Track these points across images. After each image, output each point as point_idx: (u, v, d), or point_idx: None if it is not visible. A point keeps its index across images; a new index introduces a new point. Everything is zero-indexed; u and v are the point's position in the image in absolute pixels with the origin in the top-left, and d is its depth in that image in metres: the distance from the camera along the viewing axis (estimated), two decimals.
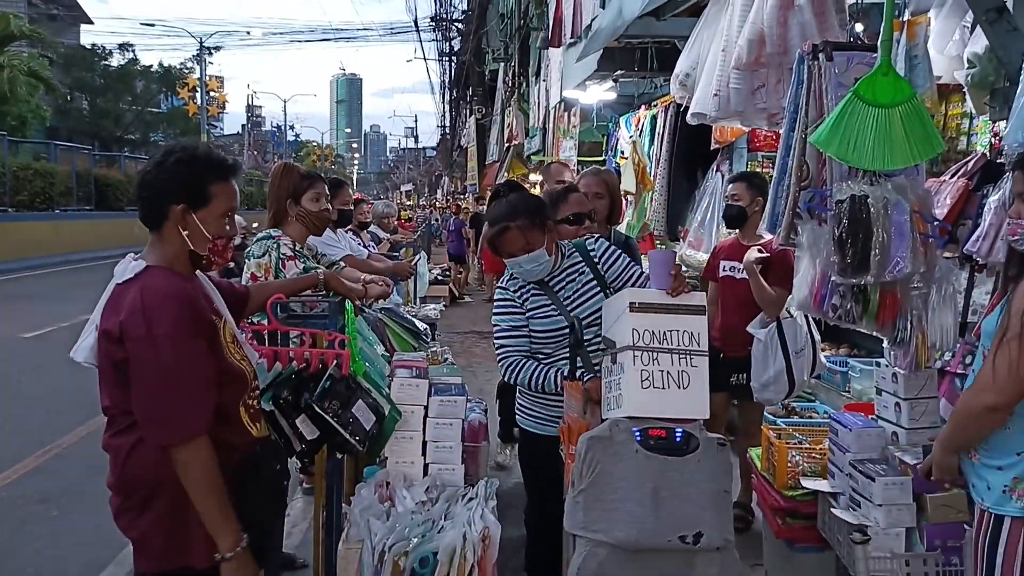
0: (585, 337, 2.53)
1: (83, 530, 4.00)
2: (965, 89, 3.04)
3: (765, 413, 3.57)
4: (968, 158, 3.14)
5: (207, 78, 36.59)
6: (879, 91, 2.23)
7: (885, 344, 2.65)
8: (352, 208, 4.46)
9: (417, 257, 6.45)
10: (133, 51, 40.08)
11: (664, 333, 2.12)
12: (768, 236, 3.27)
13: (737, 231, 4.07)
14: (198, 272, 1.99)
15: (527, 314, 2.69)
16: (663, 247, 6.09)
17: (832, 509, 2.72)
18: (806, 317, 3.72)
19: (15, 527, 4.18)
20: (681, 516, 2.04)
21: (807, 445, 3.16)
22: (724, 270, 4.02)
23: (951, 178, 3.01)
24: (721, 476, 2.10)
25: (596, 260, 2.80)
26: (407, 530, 2.12)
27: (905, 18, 3.00)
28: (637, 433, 2.07)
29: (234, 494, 1.89)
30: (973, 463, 1.98)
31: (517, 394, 2.85)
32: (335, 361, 2.39)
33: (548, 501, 2.69)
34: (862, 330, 2.64)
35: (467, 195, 25.72)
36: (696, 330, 2.14)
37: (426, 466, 2.55)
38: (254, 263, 3.02)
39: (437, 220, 25.41)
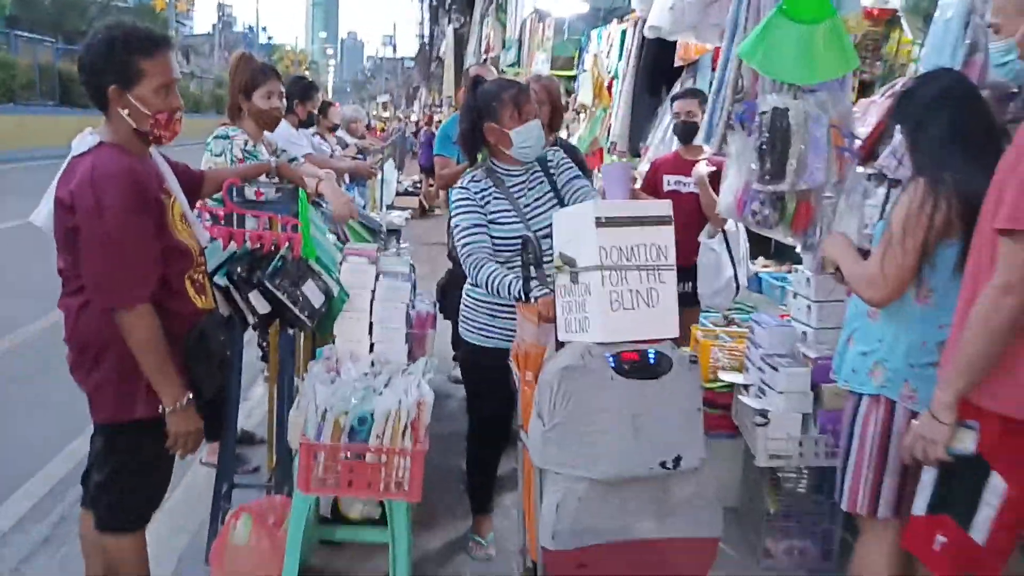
0: (542, 251, 2.38)
1: (57, 402, 4.22)
2: (900, 14, 3.18)
3: (705, 321, 3.83)
4: (897, 80, 3.30)
5: None
6: (803, 8, 2.38)
7: (798, 248, 2.88)
8: (315, 112, 4.53)
9: (380, 161, 6.52)
10: None
11: (632, 248, 1.95)
12: (708, 149, 3.44)
13: (679, 146, 4.25)
14: (153, 151, 2.12)
15: (488, 218, 2.66)
16: (623, 161, 6.22)
17: (740, 397, 3.01)
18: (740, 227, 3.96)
19: None
20: (661, 440, 1.95)
21: (730, 344, 3.43)
22: (669, 184, 4.14)
23: (880, 98, 3.18)
24: (694, 393, 2.02)
25: (552, 172, 2.78)
26: (348, 393, 2.35)
27: None
28: (611, 359, 1.93)
29: (181, 361, 2.07)
30: (848, 351, 2.23)
31: (461, 305, 2.84)
32: (287, 243, 2.56)
33: (490, 422, 2.81)
34: (777, 237, 2.85)
35: (443, 107, 25.35)
36: (664, 242, 1.98)
37: (372, 346, 2.76)
38: (211, 159, 3.11)
39: (412, 132, 25.11)
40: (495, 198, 2.67)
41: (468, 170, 2.83)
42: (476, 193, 2.68)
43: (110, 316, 1.97)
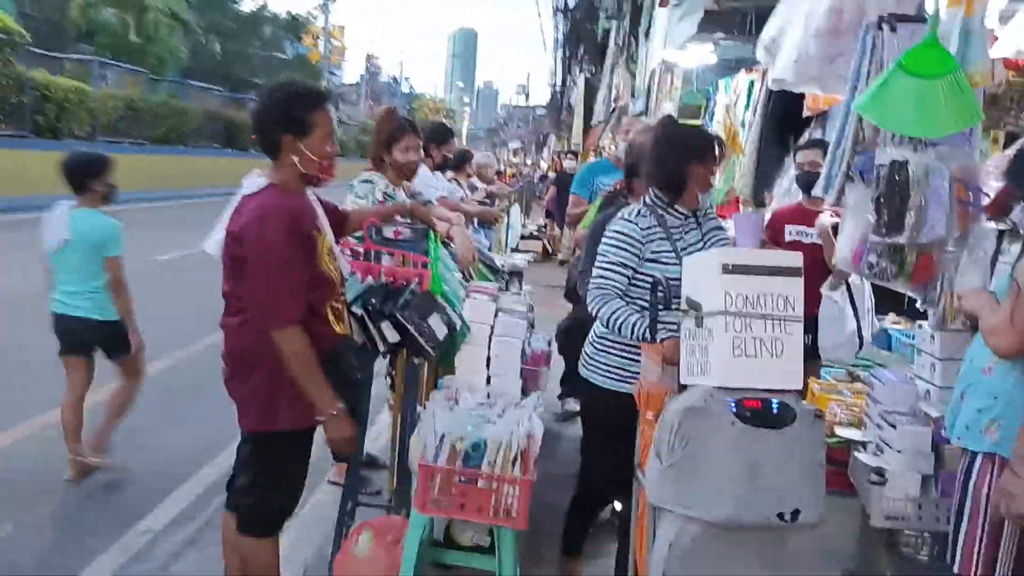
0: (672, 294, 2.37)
1: (212, 415, 4.67)
2: None
3: (828, 375, 3.76)
4: None
5: (330, 27, 37.81)
6: (923, 63, 2.39)
7: (919, 303, 2.82)
8: (451, 157, 4.87)
9: (507, 206, 6.80)
10: None
11: (758, 297, 1.98)
12: (827, 200, 3.42)
13: (802, 197, 4.20)
14: (308, 191, 2.42)
15: (645, 256, 2.67)
16: (754, 211, 6.19)
17: (856, 454, 2.94)
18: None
19: (149, 412, 4.90)
20: (778, 491, 1.96)
21: (849, 399, 3.36)
22: (791, 235, 4.10)
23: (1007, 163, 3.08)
24: (817, 449, 2.03)
25: (700, 220, 2.84)
26: (465, 420, 2.52)
27: None
28: (732, 404, 1.96)
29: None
30: (962, 408, 2.17)
31: (588, 347, 2.84)
32: (417, 279, 2.79)
33: (604, 468, 2.74)
34: (898, 289, 2.81)
35: (573, 156, 25.78)
36: (792, 294, 2.00)
37: (489, 378, 2.93)
38: (355, 199, 3.44)
39: (539, 178, 25.66)
40: (659, 238, 2.71)
41: (631, 206, 2.86)
42: (643, 229, 2.70)
43: (265, 334, 2.25)
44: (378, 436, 4.41)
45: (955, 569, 2.14)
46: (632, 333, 2.53)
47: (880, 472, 2.76)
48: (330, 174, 2.38)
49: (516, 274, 6.11)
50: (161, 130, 22.64)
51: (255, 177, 2.37)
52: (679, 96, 9.40)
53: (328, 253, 2.42)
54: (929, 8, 3.15)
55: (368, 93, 58.12)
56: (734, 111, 6.59)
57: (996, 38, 3.52)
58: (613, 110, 16.23)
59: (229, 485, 2.59)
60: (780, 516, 1.94)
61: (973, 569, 2.08)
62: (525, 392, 3.07)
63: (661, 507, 2.02)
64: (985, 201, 2.81)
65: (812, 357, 4.03)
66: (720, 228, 2.89)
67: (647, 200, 2.82)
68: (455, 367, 2.94)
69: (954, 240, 2.57)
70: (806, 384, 3.68)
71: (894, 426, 2.77)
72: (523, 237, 11.21)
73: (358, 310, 2.68)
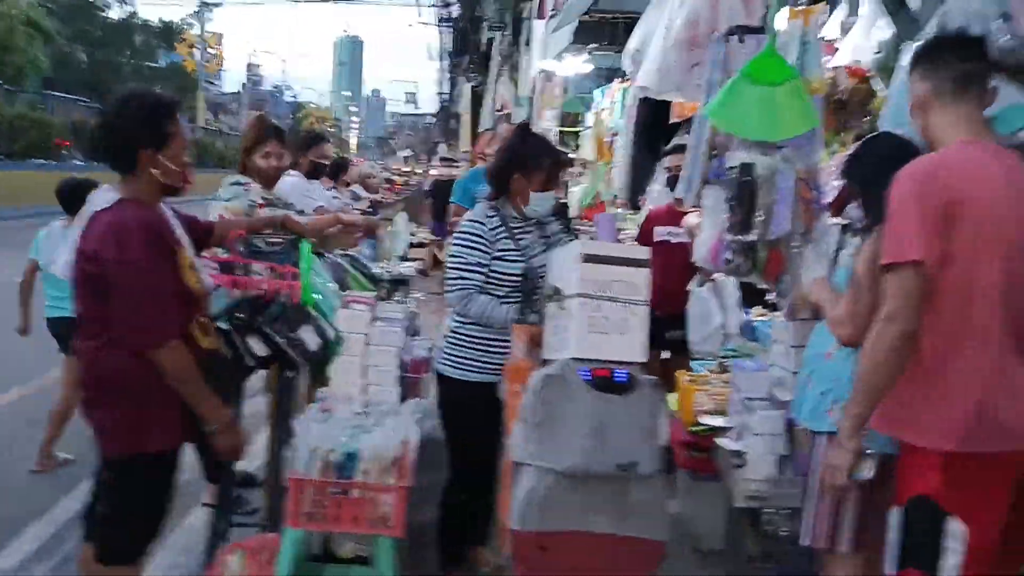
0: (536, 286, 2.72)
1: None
2: (873, 73, 3.36)
3: (701, 367, 3.93)
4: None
5: (206, 35, 36.43)
6: (764, 72, 2.56)
7: (771, 296, 3.00)
8: (326, 163, 4.76)
9: (392, 215, 6.75)
10: (133, 4, 39.89)
11: (609, 283, 2.29)
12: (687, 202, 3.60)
13: (672, 200, 4.41)
14: (163, 206, 2.33)
15: (493, 254, 2.82)
16: (611, 212, 6.37)
17: (719, 439, 3.10)
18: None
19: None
20: (620, 447, 2.27)
21: (716, 389, 3.53)
22: (660, 236, 4.32)
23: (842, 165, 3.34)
24: (655, 412, 2.33)
25: (546, 227, 3.03)
26: (338, 432, 2.48)
27: (801, 6, 3.31)
28: (586, 373, 2.28)
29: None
30: (809, 392, 2.34)
31: (444, 342, 2.96)
32: (287, 290, 2.73)
33: (473, 464, 2.86)
34: (753, 283, 2.99)
35: (460, 163, 25.85)
36: (638, 281, 2.33)
37: (366, 387, 2.90)
38: (221, 206, 3.33)
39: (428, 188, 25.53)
40: (504, 237, 2.86)
41: (480, 203, 2.99)
42: (490, 229, 2.86)
43: (129, 355, 2.15)
44: (256, 454, 4.26)
45: (804, 541, 2.29)
46: (505, 318, 2.75)
47: (741, 455, 2.92)
48: (189, 182, 2.30)
49: (403, 283, 6.09)
50: (22, 143, 21.14)
51: (105, 192, 2.25)
52: (560, 104, 9.63)
53: (189, 267, 2.33)
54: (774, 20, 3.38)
55: (250, 103, 56.27)
56: (606, 118, 6.81)
57: (837, 48, 3.81)
58: (499, 117, 16.40)
59: (87, 514, 2.45)
60: (620, 467, 2.25)
61: (820, 539, 2.24)
62: (405, 401, 3.05)
63: (522, 462, 2.30)
64: (828, 199, 3.04)
65: (683, 351, 4.23)
66: (567, 231, 3.07)
67: (491, 201, 2.94)
68: (330, 379, 2.89)
69: (800, 236, 2.76)
70: (674, 376, 3.84)
71: (752, 411, 2.94)
72: (412, 246, 11.12)
73: (224, 325, 2.59)
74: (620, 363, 2.29)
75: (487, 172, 3.03)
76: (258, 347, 2.64)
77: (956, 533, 1.86)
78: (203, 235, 2.59)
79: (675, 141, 5.94)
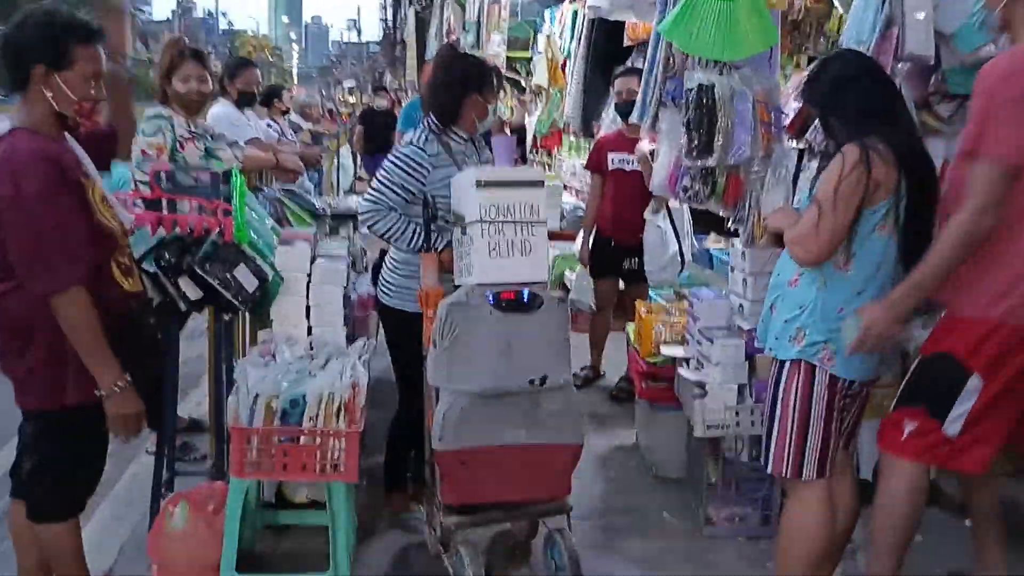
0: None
1: None
2: None
3: (658, 296, 3.86)
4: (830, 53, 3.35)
5: None
6: None
7: (728, 223, 2.92)
8: (255, 91, 4.45)
9: (333, 147, 6.46)
10: None
11: (508, 206, 2.33)
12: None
13: (622, 125, 4.27)
14: (68, 137, 2.09)
15: (434, 183, 2.70)
16: (507, 135, 6.09)
17: (680, 370, 3.06)
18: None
19: None
20: (529, 363, 2.36)
21: (674, 319, 3.48)
22: (613, 163, 4.20)
23: (800, 87, 3.23)
24: (561, 327, 2.42)
25: (477, 144, 2.93)
26: (280, 376, 2.35)
27: None
28: (490, 296, 2.33)
29: (112, 347, 2.05)
30: (772, 319, 2.28)
31: (384, 271, 2.88)
32: (218, 228, 2.54)
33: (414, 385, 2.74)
34: (711, 210, 2.90)
35: (408, 92, 25.10)
36: (535, 202, 2.36)
37: (309, 328, 2.76)
38: (144, 141, 3.07)
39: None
40: (446, 164, 2.75)
41: (418, 129, 2.84)
42: (430, 155, 2.72)
43: (38, 301, 1.96)
44: (202, 400, 4.11)
45: (768, 469, 2.27)
46: (410, 244, 2.69)
47: (701, 386, 2.89)
48: (91, 120, 2.06)
49: (351, 217, 5.87)
50: None
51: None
52: (507, 28, 9.27)
53: (102, 201, 2.12)
54: None
55: (182, 30, 53.43)
56: (557, 42, 6.56)
57: None
58: (446, 44, 15.83)
59: (13, 470, 2.28)
60: (531, 382, 2.37)
61: (784, 467, 2.21)
62: (353, 340, 2.92)
63: (437, 385, 2.40)
64: (786, 121, 2.94)
65: (639, 280, 4.17)
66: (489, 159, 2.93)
67: (431, 126, 2.79)
68: (272, 320, 2.73)
69: (759, 160, 2.66)
70: (633, 306, 3.79)
71: (712, 341, 2.90)
72: (358, 178, 10.81)
73: (150, 267, 2.40)
74: (525, 283, 2.37)
75: (430, 103, 2.84)
76: (190, 289, 2.47)
77: (973, 388, 2.07)
78: (108, 143, 2.31)
79: (634, 63, 5.75)
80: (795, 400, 2.18)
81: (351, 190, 9.38)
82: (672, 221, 4.11)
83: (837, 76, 2.17)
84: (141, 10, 45.47)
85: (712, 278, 5.27)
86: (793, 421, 2.19)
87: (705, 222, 4.86)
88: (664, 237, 4.06)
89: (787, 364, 2.20)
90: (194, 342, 3.73)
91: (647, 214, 4.06)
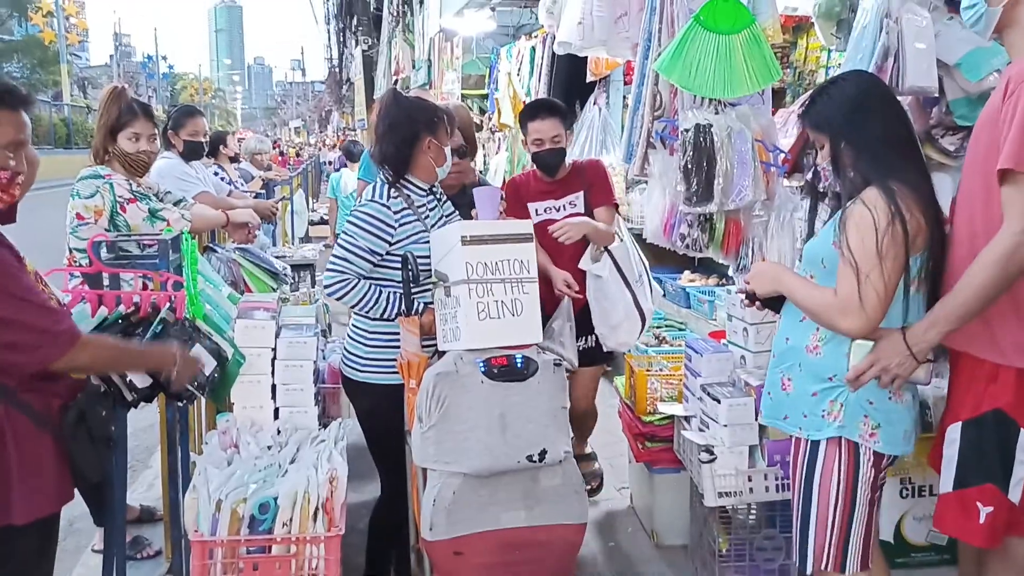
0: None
1: None
2: (813, 20, 3.10)
3: (637, 343, 3.53)
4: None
5: (64, 2, 33.41)
6: (720, 18, 2.24)
7: (730, 271, 2.73)
8: (203, 141, 4.14)
9: (285, 196, 6.15)
10: None
11: (496, 264, 2.18)
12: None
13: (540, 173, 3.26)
14: None
15: (399, 241, 2.47)
16: (490, 186, 5.81)
17: (683, 431, 2.83)
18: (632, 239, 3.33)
19: None
20: (527, 436, 2.17)
21: (667, 372, 3.26)
22: (539, 213, 3.19)
23: (800, 108, 3.09)
24: (559, 393, 2.24)
25: (438, 196, 2.68)
26: (247, 476, 2.04)
27: None
28: (481, 364, 2.14)
29: (60, 445, 1.83)
30: (787, 394, 2.04)
31: (348, 342, 2.59)
32: (168, 304, 2.23)
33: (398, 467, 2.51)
34: (711, 257, 2.70)
35: (357, 130, 24.92)
36: (525, 257, 2.22)
37: (276, 410, 2.45)
38: (80, 203, 2.75)
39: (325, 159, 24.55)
40: (411, 220, 2.51)
41: (374, 184, 2.58)
42: (395, 212, 2.48)
43: None
44: (152, 483, 3.73)
45: (807, 570, 1.99)
46: (386, 311, 2.46)
47: (709, 450, 2.66)
48: (7, 193, 1.77)
49: (307, 267, 5.54)
50: None
51: None
52: (461, 65, 9.14)
53: (36, 280, 1.84)
54: None
55: (121, 75, 52.37)
56: (518, 79, 6.40)
57: None
58: (395, 82, 15.70)
59: None
60: (529, 458, 2.16)
61: (824, 562, 1.95)
62: (326, 417, 2.63)
63: (424, 466, 2.19)
64: (781, 158, 2.77)
65: (597, 359, 3.31)
66: (456, 211, 2.70)
67: (387, 178, 2.54)
68: (231, 403, 2.42)
69: (761, 204, 2.47)
70: (593, 393, 3.30)
71: (717, 399, 2.67)
72: (312, 223, 10.47)
73: None
74: (517, 347, 2.19)
75: (379, 153, 2.55)
76: (138, 377, 2.14)
77: None
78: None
79: (597, 100, 5.60)
80: (838, 485, 1.92)
81: (306, 237, 9.05)
82: (618, 266, 3.12)
83: (855, 97, 1.92)
84: (77, 55, 44.44)
85: (689, 317, 5.11)
86: (836, 510, 1.93)
87: (678, 259, 4.65)
88: (609, 289, 3.13)
89: (823, 444, 1.94)
90: (143, 410, 3.39)
91: (583, 264, 3.10)
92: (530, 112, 3.13)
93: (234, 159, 6.49)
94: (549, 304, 2.67)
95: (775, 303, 2.13)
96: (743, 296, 2.23)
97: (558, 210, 3.18)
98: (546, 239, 3.01)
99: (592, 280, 3.12)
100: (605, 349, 3.26)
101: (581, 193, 3.12)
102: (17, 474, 1.74)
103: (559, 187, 3.17)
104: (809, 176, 2.70)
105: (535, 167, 3.23)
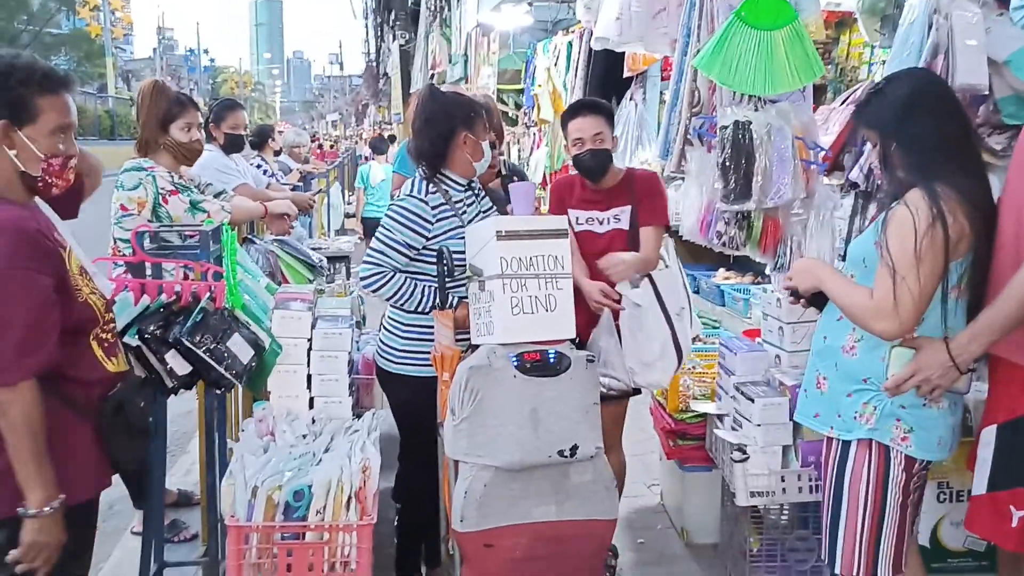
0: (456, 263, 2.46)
1: None
2: (856, 16, 3.04)
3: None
4: (858, 86, 3.17)
5: None
6: (762, 13, 2.21)
7: (767, 270, 2.69)
8: (243, 134, 4.21)
9: (323, 189, 6.22)
10: None
11: (530, 259, 2.18)
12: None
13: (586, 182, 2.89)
14: (38, 200, 1.84)
15: (436, 236, 2.50)
16: (527, 181, 5.78)
17: (716, 430, 2.81)
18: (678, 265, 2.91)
19: None
20: (558, 432, 2.17)
21: (700, 369, 3.24)
22: (580, 223, 2.84)
23: (841, 105, 3.03)
24: (591, 389, 2.24)
25: (479, 192, 2.72)
26: (282, 464, 2.08)
27: None
28: (514, 358, 2.15)
29: (99, 434, 1.84)
30: (821, 393, 2.02)
31: (384, 333, 2.63)
32: (208, 293, 2.28)
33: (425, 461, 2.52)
34: (747, 255, 2.67)
35: (393, 124, 25.06)
36: (559, 253, 2.21)
37: (312, 400, 2.49)
38: (124, 195, 2.83)
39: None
40: (449, 215, 2.54)
41: (413, 179, 2.61)
42: (433, 208, 2.52)
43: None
44: (190, 468, 3.81)
45: (836, 570, 1.98)
46: (421, 303, 2.49)
47: (742, 449, 2.63)
48: (62, 178, 1.80)
49: (342, 259, 5.60)
50: None
51: None
52: (497, 60, 9.14)
53: (80, 273, 1.86)
54: None
55: (164, 68, 53.30)
56: (555, 73, 6.39)
57: None
58: (432, 76, 15.75)
59: None
60: (560, 453, 2.17)
61: (856, 568, 1.93)
62: (359, 407, 2.66)
63: (456, 458, 2.20)
64: (821, 156, 2.73)
65: (623, 394, 2.84)
66: (493, 207, 2.71)
67: (425, 173, 2.57)
68: (268, 392, 2.46)
69: (800, 202, 2.44)
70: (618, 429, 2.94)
71: (751, 398, 2.65)
72: (348, 216, 10.57)
73: (132, 340, 2.13)
74: (550, 342, 2.20)
75: (416, 149, 2.59)
76: (177, 364, 2.19)
77: None
78: (75, 192, 1.98)
79: (634, 95, 5.54)
80: (867, 487, 1.91)
81: (342, 229, 9.14)
82: (659, 295, 2.75)
83: (909, 97, 1.88)
84: (122, 48, 45.37)
85: (723, 315, 5.06)
86: (865, 512, 1.92)
87: (710, 255, 4.58)
88: (646, 320, 2.73)
89: (853, 445, 1.92)
90: (181, 397, 3.46)
91: (621, 288, 2.71)
92: (571, 112, 2.86)
93: (277, 153, 6.60)
94: (584, 328, 2.53)
95: (819, 301, 2.09)
96: (788, 293, 2.20)
97: (601, 223, 2.83)
98: (586, 251, 2.77)
99: (628, 306, 2.72)
100: (633, 386, 2.82)
101: (628, 208, 2.77)
102: (55, 462, 1.72)
103: (605, 197, 2.81)
104: (853, 174, 2.67)
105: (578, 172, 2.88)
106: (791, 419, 2.63)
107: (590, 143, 2.72)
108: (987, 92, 2.36)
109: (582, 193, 2.87)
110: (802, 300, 2.15)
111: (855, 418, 1.92)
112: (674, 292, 2.79)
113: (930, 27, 2.32)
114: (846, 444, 1.95)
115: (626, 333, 2.73)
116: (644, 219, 2.74)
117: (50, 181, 1.78)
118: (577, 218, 2.84)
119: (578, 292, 2.52)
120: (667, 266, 2.80)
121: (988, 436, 1.93)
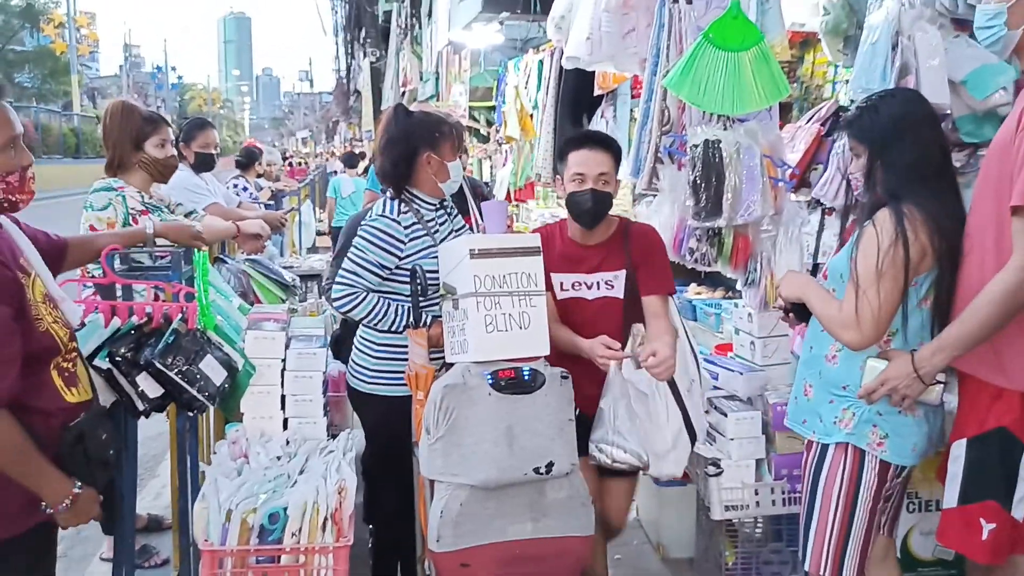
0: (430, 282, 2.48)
1: None
2: (820, 36, 3.12)
3: None
4: (823, 104, 3.24)
5: (75, 13, 33.72)
6: (729, 35, 2.26)
7: (738, 285, 2.75)
8: (214, 153, 4.19)
9: (290, 208, 6.20)
10: None
11: (503, 276, 2.18)
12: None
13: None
14: (4, 221, 1.81)
15: (409, 256, 2.51)
16: (499, 200, 5.75)
17: None
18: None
19: None
20: (533, 449, 2.17)
21: None
22: (565, 289, 2.46)
23: (807, 123, 3.10)
24: (566, 406, 2.23)
25: (451, 211, 2.73)
26: (256, 487, 2.06)
27: None
28: (488, 376, 2.15)
29: (58, 464, 1.78)
30: (808, 399, 2.08)
31: (357, 353, 2.64)
32: (180, 314, 2.25)
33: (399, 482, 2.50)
34: (721, 271, 2.71)
35: (363, 141, 25.02)
36: (533, 270, 2.21)
37: (286, 421, 2.47)
38: (93, 216, 2.79)
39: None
40: (421, 235, 2.55)
41: (387, 200, 2.60)
42: (405, 228, 2.52)
43: None
44: (160, 492, 3.75)
45: (806, 567, 2.04)
46: (395, 323, 2.49)
47: (716, 463, 2.67)
48: (25, 192, 1.77)
49: (314, 277, 5.57)
50: None
51: None
52: (469, 78, 9.19)
53: (44, 301, 1.81)
54: None
55: (131, 86, 52.70)
56: (525, 92, 6.44)
57: None
58: (402, 94, 15.79)
59: None
60: (536, 470, 2.16)
61: (823, 565, 1.99)
62: (332, 426, 2.64)
63: (431, 478, 2.19)
64: (789, 173, 2.78)
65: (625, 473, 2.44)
66: (466, 225, 2.76)
67: (391, 194, 2.59)
68: (242, 414, 2.44)
69: (769, 219, 2.49)
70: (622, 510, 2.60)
71: (725, 413, 2.69)
72: (319, 233, 10.51)
73: (103, 363, 2.10)
74: (524, 359, 2.19)
75: (380, 169, 2.63)
76: (149, 387, 2.15)
77: None
78: (57, 255, 2.05)
79: (604, 113, 5.61)
80: (839, 489, 1.98)
81: (313, 247, 9.10)
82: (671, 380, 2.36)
83: (900, 117, 1.96)
84: (87, 66, 44.81)
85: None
86: (836, 512, 1.98)
87: (681, 270, 4.63)
88: (655, 408, 2.38)
89: (831, 448, 1.99)
90: (151, 418, 3.40)
91: (626, 372, 2.34)
92: (576, 142, 2.42)
93: (259, 175, 6.62)
94: (588, 404, 2.29)
95: (804, 314, 2.17)
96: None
97: (589, 287, 2.45)
98: (570, 320, 2.43)
99: (633, 394, 2.34)
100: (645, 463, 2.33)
101: (623, 273, 2.41)
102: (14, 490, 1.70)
103: (594, 255, 2.43)
104: (816, 191, 2.73)
105: (569, 216, 2.46)
106: (763, 433, 2.67)
107: (592, 182, 2.33)
108: (948, 111, 2.43)
109: (563, 248, 2.47)
110: (791, 315, 2.21)
111: (834, 423, 2.00)
112: (683, 365, 2.38)
113: (896, 49, 2.39)
114: (824, 447, 2.02)
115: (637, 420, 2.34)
116: (648, 287, 2.39)
117: (13, 199, 1.75)
118: (562, 283, 2.46)
119: (575, 366, 2.28)
120: (678, 336, 2.42)
121: (958, 450, 1.97)
